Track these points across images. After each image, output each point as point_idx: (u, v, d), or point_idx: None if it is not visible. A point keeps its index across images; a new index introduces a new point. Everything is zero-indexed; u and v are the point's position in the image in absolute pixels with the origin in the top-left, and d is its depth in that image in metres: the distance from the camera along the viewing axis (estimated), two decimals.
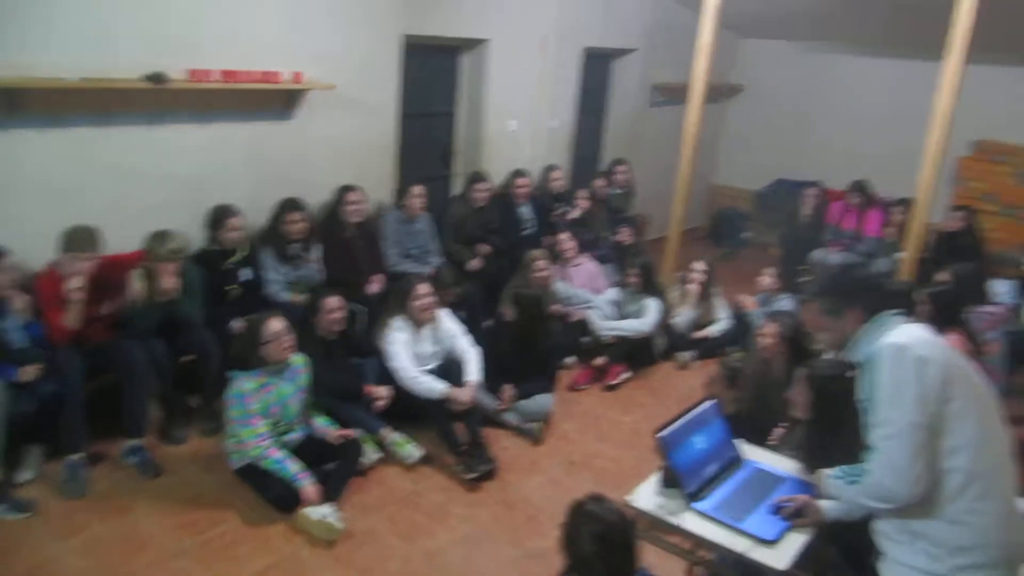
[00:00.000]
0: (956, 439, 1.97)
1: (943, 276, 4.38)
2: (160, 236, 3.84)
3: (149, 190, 4.22)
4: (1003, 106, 7.14)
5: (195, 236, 4.35)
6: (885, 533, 2.13)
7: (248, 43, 4.40)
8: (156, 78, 3.92)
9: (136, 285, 3.81)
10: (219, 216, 4.30)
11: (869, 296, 2.17)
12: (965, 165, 7.37)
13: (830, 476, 2.35)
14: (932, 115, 4.83)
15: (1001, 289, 5.82)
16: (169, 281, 3.81)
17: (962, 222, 6.33)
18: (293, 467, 3.45)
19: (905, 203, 6.34)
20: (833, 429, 2.62)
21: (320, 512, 3.37)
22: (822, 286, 2.25)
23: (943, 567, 1.97)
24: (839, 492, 2.29)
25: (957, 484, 1.96)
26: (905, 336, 2.04)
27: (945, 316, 3.76)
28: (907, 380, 1.97)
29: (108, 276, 3.84)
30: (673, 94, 7.81)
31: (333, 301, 4.01)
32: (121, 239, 3.99)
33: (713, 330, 5.62)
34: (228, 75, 4.23)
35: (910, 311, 3.69)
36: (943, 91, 4.71)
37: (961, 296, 3.99)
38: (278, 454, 3.46)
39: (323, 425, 3.80)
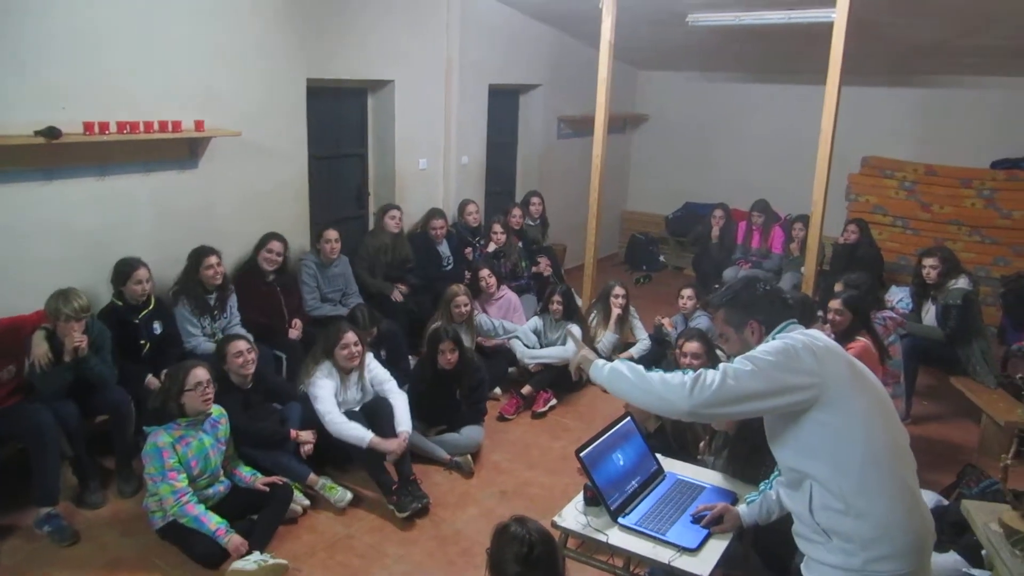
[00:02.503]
0: (847, 435, 2.05)
1: (839, 287, 4.62)
2: (63, 295, 3.71)
3: (47, 248, 4.08)
4: (886, 124, 7.64)
5: (100, 293, 4.23)
6: (802, 535, 2.20)
7: (146, 93, 4.35)
8: (49, 132, 3.82)
9: (39, 347, 3.67)
10: (125, 269, 4.17)
11: (768, 309, 2.27)
12: (855, 180, 7.81)
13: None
14: (819, 135, 5.12)
15: (898, 296, 6.17)
16: (76, 340, 3.68)
17: (855, 234, 6.68)
18: (211, 523, 3.35)
19: (804, 219, 6.66)
20: (757, 435, 2.71)
21: (254, 561, 3.29)
22: (725, 300, 2.34)
23: (858, 561, 2.04)
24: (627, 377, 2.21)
25: (855, 479, 2.04)
26: (800, 334, 2.16)
27: (861, 320, 3.97)
28: (788, 355, 2.08)
29: (7, 339, 3.69)
30: (579, 126, 8.06)
31: (239, 344, 3.93)
32: (19, 300, 3.86)
33: (634, 351, 5.75)
34: (124, 126, 4.16)
35: (811, 322, 3.89)
36: (825, 113, 5.01)
37: (867, 301, 4.21)
38: (195, 510, 3.36)
39: (248, 474, 3.73)
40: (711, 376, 2.08)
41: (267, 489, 3.64)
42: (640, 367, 2.23)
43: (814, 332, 2.20)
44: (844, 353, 2.18)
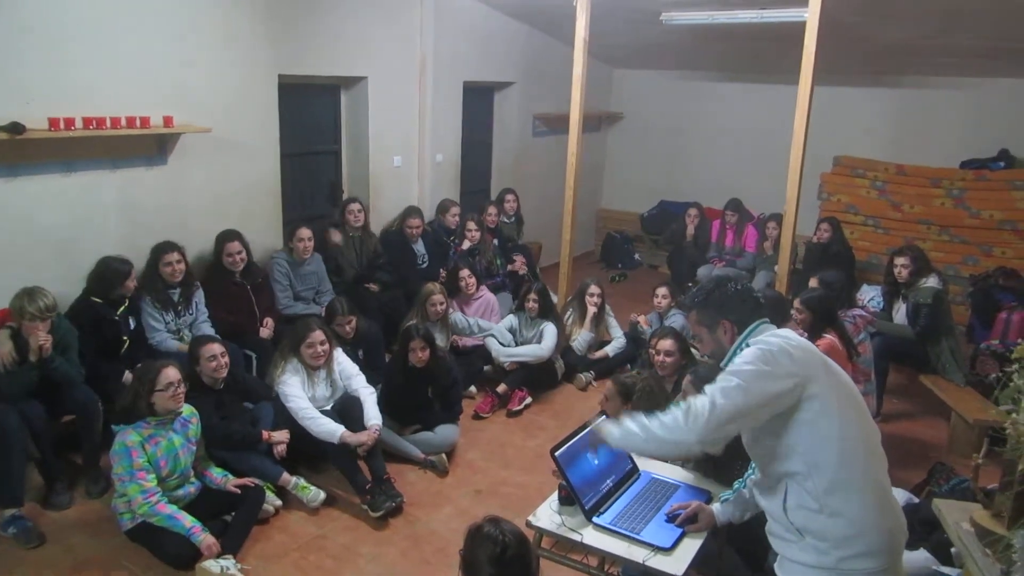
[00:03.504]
0: (824, 433, 2.06)
1: (813, 283, 4.66)
2: (29, 293, 3.64)
3: (12, 245, 4.00)
4: (857, 124, 7.72)
5: (66, 290, 4.14)
6: (775, 533, 2.21)
7: (113, 88, 4.27)
8: (13, 128, 3.74)
9: (3, 346, 3.59)
10: (124, 268, 4.14)
11: (740, 308, 2.25)
12: (828, 180, 7.88)
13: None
14: (792, 134, 5.15)
15: (870, 294, 6.24)
16: (41, 340, 3.61)
17: (828, 233, 6.75)
18: (185, 521, 3.31)
19: (778, 218, 6.72)
20: None
21: (220, 565, 3.24)
22: (696, 301, 2.33)
23: (831, 559, 2.05)
24: (630, 432, 2.24)
25: (830, 477, 2.05)
26: (772, 336, 2.17)
27: (821, 319, 4.00)
28: (767, 361, 2.08)
29: None
30: (554, 124, 8.06)
31: (213, 347, 3.88)
32: None
33: (609, 350, 5.76)
34: (91, 122, 4.08)
35: (785, 319, 3.91)
36: (798, 113, 5.04)
37: (832, 299, 4.25)
38: (167, 509, 3.31)
39: (219, 475, 3.68)
40: (700, 404, 2.08)
41: (239, 491, 3.60)
42: (642, 418, 2.22)
43: (786, 332, 2.20)
44: (818, 352, 2.19)
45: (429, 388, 4.49)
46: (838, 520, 2.04)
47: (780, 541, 2.18)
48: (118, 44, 4.27)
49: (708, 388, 2.10)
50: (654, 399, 3.42)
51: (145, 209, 4.60)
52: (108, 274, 4.13)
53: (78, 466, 3.97)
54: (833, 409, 2.07)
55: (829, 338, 3.91)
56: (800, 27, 4.94)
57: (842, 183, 7.81)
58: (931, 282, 5.09)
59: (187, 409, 3.57)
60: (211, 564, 3.23)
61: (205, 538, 3.30)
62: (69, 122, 3.99)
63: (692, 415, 2.09)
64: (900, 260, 5.23)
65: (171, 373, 3.41)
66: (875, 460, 2.13)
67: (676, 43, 7.37)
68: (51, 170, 4.13)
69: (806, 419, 2.07)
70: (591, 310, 5.72)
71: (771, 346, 2.11)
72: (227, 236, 4.81)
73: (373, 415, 4.12)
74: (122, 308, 4.17)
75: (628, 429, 2.25)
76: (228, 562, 3.27)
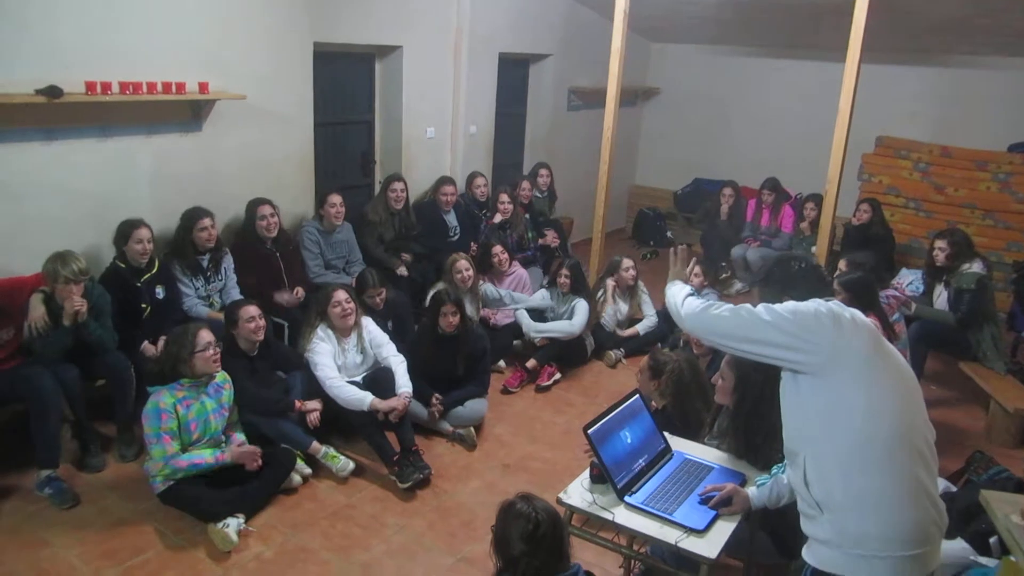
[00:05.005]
0: (855, 408, 1.98)
1: (843, 265, 4.56)
2: (61, 257, 3.65)
3: (48, 209, 4.02)
4: (902, 103, 7.50)
5: (100, 255, 4.18)
6: (802, 510, 2.15)
7: (150, 53, 4.25)
8: (51, 91, 3.75)
9: (36, 310, 3.62)
10: (126, 229, 4.10)
11: (803, 285, 2.23)
12: (869, 161, 7.69)
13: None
14: (837, 114, 5.00)
15: (909, 278, 6.10)
16: (76, 305, 3.63)
17: (867, 214, 6.59)
18: (206, 458, 3.40)
19: (816, 198, 6.57)
20: (756, 412, 2.67)
21: (224, 523, 3.33)
22: (758, 278, 2.31)
23: (849, 540, 1.98)
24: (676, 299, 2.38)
25: (853, 454, 1.97)
26: (835, 304, 2.12)
27: (862, 301, 3.91)
28: (807, 310, 2.06)
29: (7, 301, 3.64)
30: (590, 98, 7.94)
31: (251, 309, 3.90)
32: (18, 262, 3.82)
33: (640, 328, 5.71)
34: (127, 87, 4.07)
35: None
36: (844, 90, 4.89)
37: (873, 281, 4.15)
38: (184, 461, 3.36)
39: (240, 437, 3.72)
40: (721, 310, 2.17)
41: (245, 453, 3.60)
42: (690, 297, 2.34)
43: (850, 308, 2.14)
44: (874, 331, 2.11)
45: (457, 356, 4.45)
46: (855, 498, 1.97)
47: (804, 519, 2.13)
48: (156, 9, 4.25)
49: (745, 307, 2.14)
50: (682, 385, 3.36)
51: (179, 175, 4.60)
52: (119, 232, 4.12)
53: (111, 430, 4.02)
54: (867, 388, 1.99)
55: (872, 319, 3.83)
56: (848, 1, 4.78)
57: (884, 164, 7.61)
58: (975, 267, 4.95)
59: (220, 375, 3.60)
60: (223, 525, 3.32)
61: (231, 452, 3.46)
62: (106, 86, 3.98)
63: (711, 309, 2.19)
64: (939, 243, 5.12)
65: (206, 334, 3.47)
66: (911, 451, 2.01)
67: (717, 16, 7.19)
68: (87, 135, 4.14)
69: (833, 388, 2.00)
70: (627, 282, 5.69)
71: (823, 307, 2.07)
72: (258, 200, 4.82)
73: (404, 383, 4.12)
74: (147, 276, 4.17)
75: (675, 292, 2.38)
76: (235, 520, 3.35)
